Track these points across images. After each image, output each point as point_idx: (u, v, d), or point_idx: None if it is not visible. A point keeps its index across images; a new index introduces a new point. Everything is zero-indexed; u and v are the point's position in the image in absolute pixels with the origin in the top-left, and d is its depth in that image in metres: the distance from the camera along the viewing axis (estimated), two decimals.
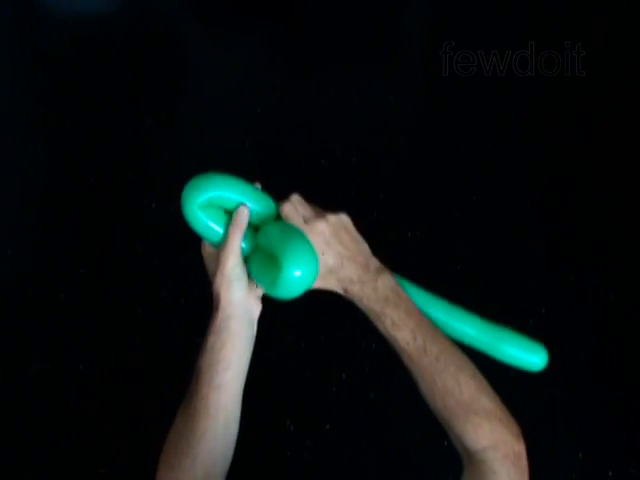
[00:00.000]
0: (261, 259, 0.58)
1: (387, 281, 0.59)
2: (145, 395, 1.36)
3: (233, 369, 0.57)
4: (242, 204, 0.60)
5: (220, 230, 0.60)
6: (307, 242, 0.57)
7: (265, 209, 0.61)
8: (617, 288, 1.52)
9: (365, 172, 1.75)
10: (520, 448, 0.55)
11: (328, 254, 0.59)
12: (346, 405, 1.35)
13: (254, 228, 0.61)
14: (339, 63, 2.10)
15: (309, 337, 1.44)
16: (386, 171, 1.77)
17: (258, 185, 0.63)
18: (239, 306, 0.58)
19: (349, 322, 1.34)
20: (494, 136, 1.85)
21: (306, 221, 0.59)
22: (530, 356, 0.64)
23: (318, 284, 0.60)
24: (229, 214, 0.61)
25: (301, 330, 1.44)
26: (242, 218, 0.59)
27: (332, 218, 0.60)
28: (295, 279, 0.54)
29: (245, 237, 0.59)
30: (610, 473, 1.27)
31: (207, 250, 0.62)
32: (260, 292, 0.61)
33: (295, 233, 0.58)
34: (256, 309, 0.60)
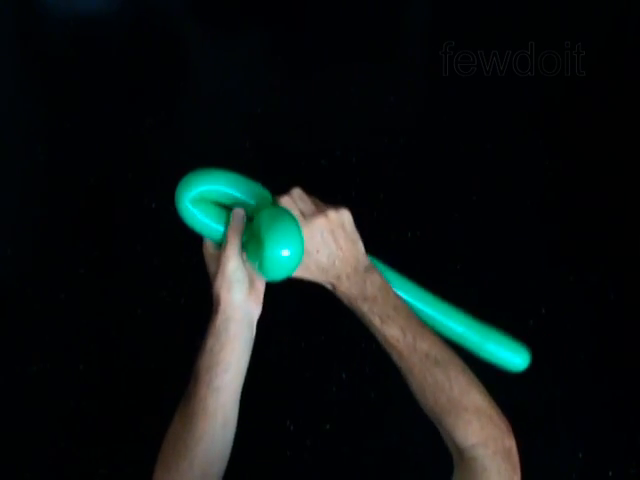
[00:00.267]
0: (253, 244, 0.58)
1: (375, 280, 0.59)
2: (145, 395, 1.36)
3: (232, 371, 0.57)
4: (237, 202, 0.60)
5: (215, 225, 0.61)
6: (291, 221, 0.57)
7: (260, 200, 0.62)
8: (617, 288, 1.52)
9: (365, 172, 1.75)
10: (510, 443, 0.56)
11: (322, 253, 0.58)
12: (346, 405, 1.35)
13: (249, 219, 0.61)
14: (339, 63, 2.10)
15: (309, 337, 1.44)
16: (386, 171, 1.77)
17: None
18: (239, 308, 0.58)
19: (349, 322, 1.34)
20: (494, 136, 1.85)
21: (305, 216, 0.58)
22: (513, 356, 0.65)
23: (307, 276, 0.60)
24: (226, 209, 0.61)
25: (301, 330, 1.44)
26: (238, 220, 0.59)
27: (332, 214, 0.59)
28: (278, 259, 0.55)
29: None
30: (610, 473, 1.27)
31: (209, 251, 0.62)
32: (260, 294, 0.61)
33: (280, 214, 0.58)
34: (256, 311, 0.60)
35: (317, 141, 1.85)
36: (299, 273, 0.59)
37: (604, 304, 1.50)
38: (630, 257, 1.58)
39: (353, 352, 1.40)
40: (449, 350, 0.59)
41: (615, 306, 1.50)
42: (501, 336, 0.65)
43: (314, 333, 1.44)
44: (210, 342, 0.57)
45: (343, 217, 0.60)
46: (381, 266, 0.63)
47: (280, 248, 0.55)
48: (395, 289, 0.61)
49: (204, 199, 0.61)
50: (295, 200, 0.59)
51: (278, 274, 0.58)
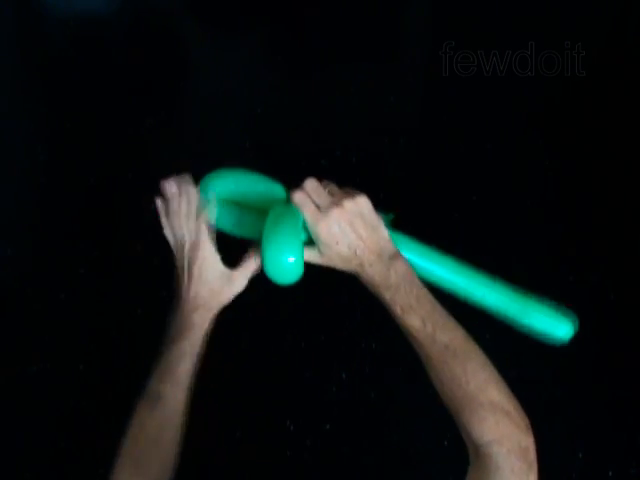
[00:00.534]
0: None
1: (400, 268, 0.58)
2: None
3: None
4: (250, 201, 0.61)
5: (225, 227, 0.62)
6: (289, 228, 0.57)
7: (274, 197, 0.62)
8: (617, 288, 1.52)
9: (365, 172, 1.74)
10: (528, 442, 0.55)
11: (342, 244, 0.57)
12: (346, 405, 1.35)
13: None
14: (339, 63, 2.10)
15: (309, 337, 1.44)
16: (386, 171, 1.77)
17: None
18: (207, 327, 0.63)
19: (349, 322, 1.34)
20: (494, 136, 1.85)
21: (320, 209, 0.57)
22: (558, 325, 0.62)
23: (332, 265, 0.59)
24: (241, 207, 0.62)
25: (301, 330, 1.44)
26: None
27: (348, 204, 0.58)
28: (276, 265, 0.55)
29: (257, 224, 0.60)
30: (610, 473, 1.27)
31: (213, 267, 0.65)
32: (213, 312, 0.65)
33: (281, 219, 0.57)
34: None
35: (317, 141, 1.85)
36: (324, 262, 0.59)
37: (604, 304, 1.50)
38: (630, 257, 1.58)
39: (353, 352, 1.40)
40: (471, 344, 0.58)
41: (615, 306, 1.50)
42: (544, 304, 0.63)
43: (314, 333, 1.43)
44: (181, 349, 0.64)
45: (360, 205, 0.59)
46: (413, 243, 0.63)
47: (278, 255, 0.55)
48: (428, 262, 0.60)
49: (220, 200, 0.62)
50: (309, 194, 0.58)
51: (280, 278, 0.57)
